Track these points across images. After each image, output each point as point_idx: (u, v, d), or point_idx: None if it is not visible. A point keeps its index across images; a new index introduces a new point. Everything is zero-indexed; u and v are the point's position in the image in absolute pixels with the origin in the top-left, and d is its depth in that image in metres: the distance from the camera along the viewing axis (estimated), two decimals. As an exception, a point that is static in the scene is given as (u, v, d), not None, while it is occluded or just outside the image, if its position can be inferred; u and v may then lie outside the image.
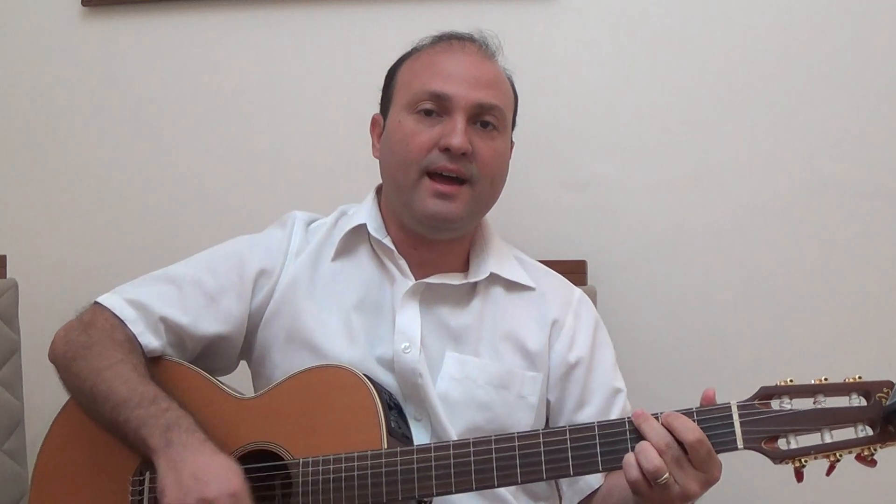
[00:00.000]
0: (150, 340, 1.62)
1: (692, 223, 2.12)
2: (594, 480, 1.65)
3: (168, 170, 2.28)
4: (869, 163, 2.07)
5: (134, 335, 1.61)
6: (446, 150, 1.61)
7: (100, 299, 1.65)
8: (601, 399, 1.69)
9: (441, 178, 1.63)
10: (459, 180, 1.63)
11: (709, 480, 1.39)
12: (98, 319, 1.63)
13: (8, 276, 2.14)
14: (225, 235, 1.78)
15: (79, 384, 1.58)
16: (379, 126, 1.75)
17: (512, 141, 1.75)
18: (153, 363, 1.62)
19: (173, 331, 1.65)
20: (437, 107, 1.64)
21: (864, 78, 2.07)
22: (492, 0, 2.16)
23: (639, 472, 1.38)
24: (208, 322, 1.66)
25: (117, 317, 1.62)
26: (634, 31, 2.14)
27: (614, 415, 1.68)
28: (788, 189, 2.09)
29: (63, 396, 1.64)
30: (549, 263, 1.84)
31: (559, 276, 1.81)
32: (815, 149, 2.09)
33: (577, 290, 1.79)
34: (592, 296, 2.00)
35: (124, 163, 2.29)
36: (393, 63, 1.76)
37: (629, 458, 1.39)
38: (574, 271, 2.01)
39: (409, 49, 1.76)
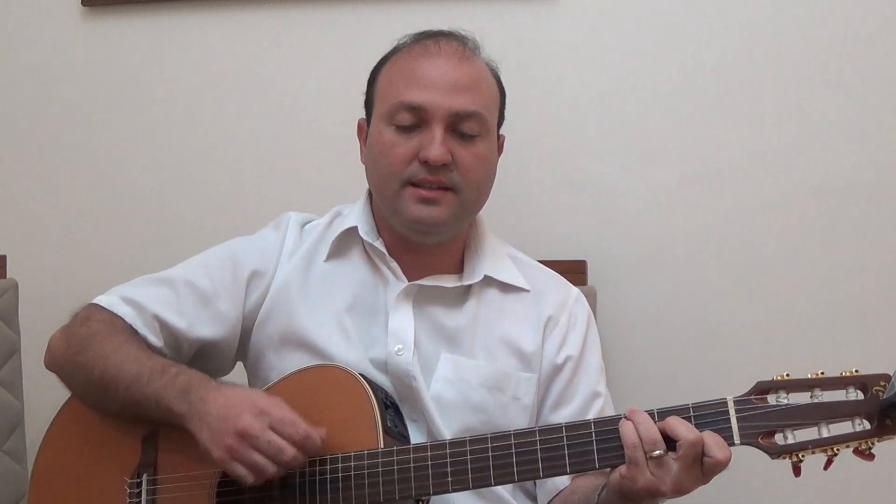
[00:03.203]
0: (148, 336, 1.63)
1: (692, 223, 2.11)
2: (560, 482, 1.65)
3: (168, 169, 2.28)
4: (867, 163, 2.07)
5: (133, 328, 1.62)
6: (425, 163, 1.60)
7: (95, 300, 1.66)
8: (580, 401, 1.69)
9: (423, 187, 1.61)
10: (443, 188, 1.62)
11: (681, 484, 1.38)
12: (95, 314, 1.64)
13: (8, 276, 2.14)
14: (225, 235, 1.78)
15: (87, 374, 1.58)
16: (364, 131, 1.73)
17: (502, 135, 1.73)
18: None
19: (168, 331, 1.65)
20: (415, 118, 1.62)
21: (865, 77, 2.07)
22: (491, 0, 2.15)
23: (637, 437, 1.37)
24: (203, 324, 1.66)
25: (115, 314, 1.63)
26: (634, 31, 2.14)
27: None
28: (788, 189, 2.08)
29: (62, 397, 1.64)
30: (549, 263, 1.83)
31: (555, 274, 1.80)
32: (814, 149, 2.08)
33: (574, 290, 1.78)
34: (592, 296, 2.00)
35: (124, 163, 2.29)
36: (375, 65, 1.73)
37: (626, 424, 1.39)
38: (574, 271, 2.00)
39: (389, 49, 1.72)
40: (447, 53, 1.65)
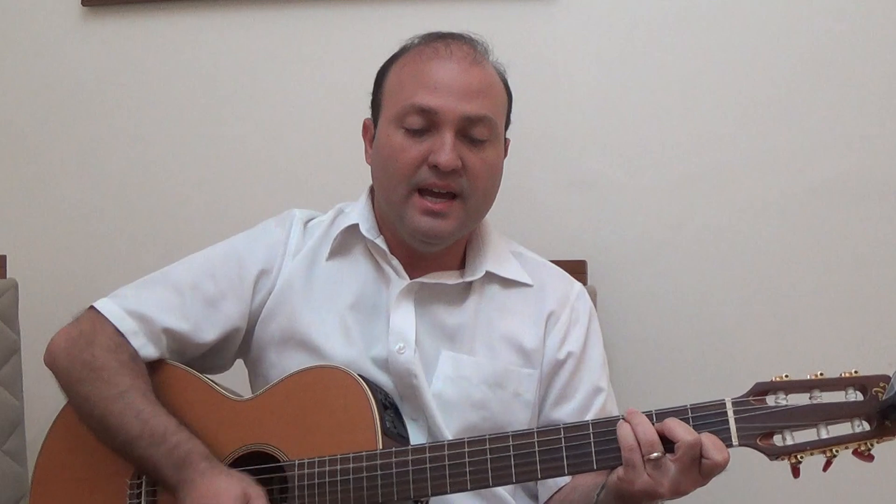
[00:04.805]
0: (151, 352, 1.61)
1: (692, 223, 2.12)
2: (561, 479, 1.64)
3: (167, 169, 2.28)
4: (868, 163, 2.07)
5: (135, 350, 1.60)
6: (435, 167, 1.59)
7: (97, 305, 1.63)
8: (582, 396, 1.68)
9: (431, 193, 1.60)
10: (450, 195, 1.61)
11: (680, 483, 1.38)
12: (99, 335, 1.60)
13: (8, 276, 2.14)
14: (226, 234, 1.78)
15: (88, 409, 1.57)
16: (370, 131, 1.71)
17: (507, 139, 1.72)
18: (149, 367, 1.61)
19: (175, 339, 1.64)
20: (425, 121, 1.60)
21: (864, 77, 2.07)
22: (491, 0, 2.15)
23: (634, 439, 1.37)
24: (209, 329, 1.65)
25: (118, 330, 1.60)
26: (634, 31, 2.14)
27: (591, 414, 1.66)
28: (788, 189, 2.08)
29: (63, 397, 1.64)
30: (550, 263, 1.83)
31: (559, 269, 1.79)
32: (814, 149, 2.08)
33: (577, 285, 1.77)
34: (592, 296, 1.99)
35: (124, 163, 2.29)
36: (382, 65, 1.71)
37: (624, 426, 1.39)
38: (574, 271, 1.99)
39: (397, 50, 1.71)
40: (458, 57, 1.63)
